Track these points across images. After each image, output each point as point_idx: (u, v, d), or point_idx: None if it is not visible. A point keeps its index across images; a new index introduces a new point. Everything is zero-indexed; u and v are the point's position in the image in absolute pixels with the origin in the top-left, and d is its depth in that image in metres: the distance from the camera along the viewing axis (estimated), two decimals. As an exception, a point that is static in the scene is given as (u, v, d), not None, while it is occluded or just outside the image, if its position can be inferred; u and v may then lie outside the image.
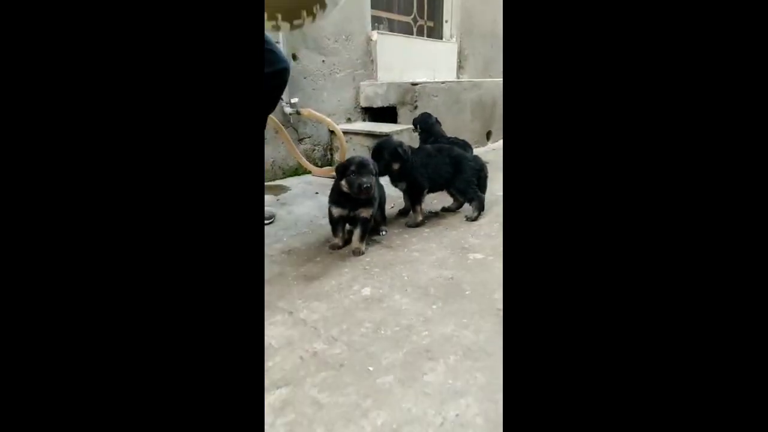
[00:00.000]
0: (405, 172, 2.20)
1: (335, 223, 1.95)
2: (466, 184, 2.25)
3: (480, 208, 2.28)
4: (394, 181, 2.28)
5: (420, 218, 2.22)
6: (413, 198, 2.24)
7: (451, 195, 2.38)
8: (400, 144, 2.19)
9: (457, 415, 0.97)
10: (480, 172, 2.29)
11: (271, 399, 1.03)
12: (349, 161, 1.84)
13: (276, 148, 3.17)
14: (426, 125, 2.99)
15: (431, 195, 2.42)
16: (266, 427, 0.95)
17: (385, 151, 2.17)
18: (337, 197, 1.90)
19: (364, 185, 1.78)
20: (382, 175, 2.08)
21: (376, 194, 1.91)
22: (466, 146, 2.82)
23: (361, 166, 1.81)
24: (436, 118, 3.04)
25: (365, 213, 1.88)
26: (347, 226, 1.99)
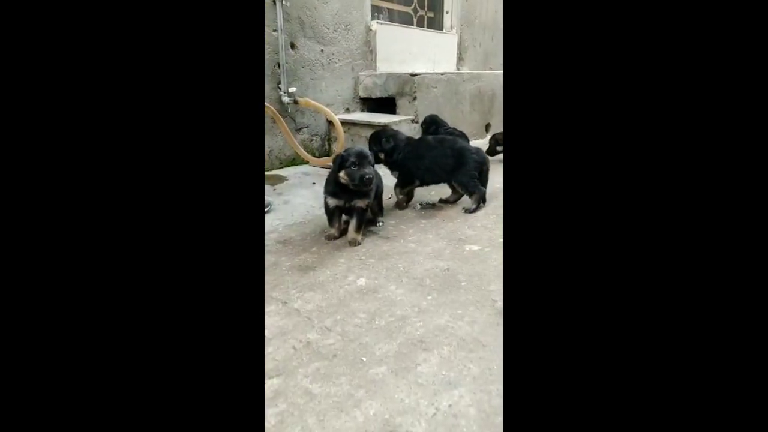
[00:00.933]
0: (398, 163, 2.21)
1: (331, 213, 1.93)
2: (468, 177, 2.23)
3: (480, 201, 2.27)
4: (391, 171, 2.30)
5: (399, 197, 2.32)
6: (398, 183, 2.30)
7: (452, 187, 2.36)
8: (392, 135, 2.21)
9: (450, 405, 0.96)
10: (483, 166, 2.28)
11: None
12: (347, 152, 1.81)
13: (273, 138, 3.14)
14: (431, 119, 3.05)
15: (431, 186, 2.42)
16: (257, 416, 0.94)
17: (373, 141, 2.21)
18: (332, 188, 1.88)
19: (366, 176, 1.76)
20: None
21: (373, 185, 1.90)
22: (462, 138, 2.81)
23: (360, 157, 1.79)
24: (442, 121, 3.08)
25: (361, 203, 1.86)
26: (343, 217, 1.97)
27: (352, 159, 1.79)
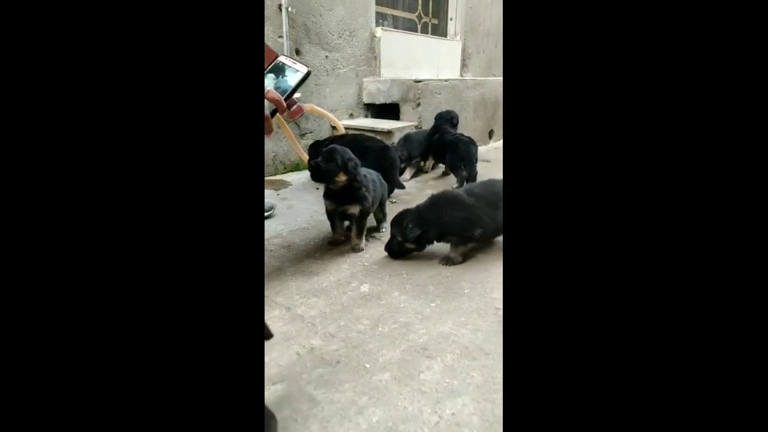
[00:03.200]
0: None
1: (331, 217, 1.93)
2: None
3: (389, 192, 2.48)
4: None
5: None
6: None
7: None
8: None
9: (453, 414, 0.97)
10: (384, 162, 2.51)
11: (266, 395, 1.02)
12: (317, 142, 1.82)
13: (278, 143, 3.16)
14: (440, 119, 3.07)
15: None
16: (261, 422, 0.94)
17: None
18: (327, 190, 1.88)
19: (312, 164, 1.76)
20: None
21: (369, 193, 1.87)
22: (470, 142, 2.86)
23: (325, 154, 1.77)
24: (452, 119, 3.09)
25: (352, 209, 1.84)
26: (346, 223, 1.98)
27: (321, 156, 1.80)
